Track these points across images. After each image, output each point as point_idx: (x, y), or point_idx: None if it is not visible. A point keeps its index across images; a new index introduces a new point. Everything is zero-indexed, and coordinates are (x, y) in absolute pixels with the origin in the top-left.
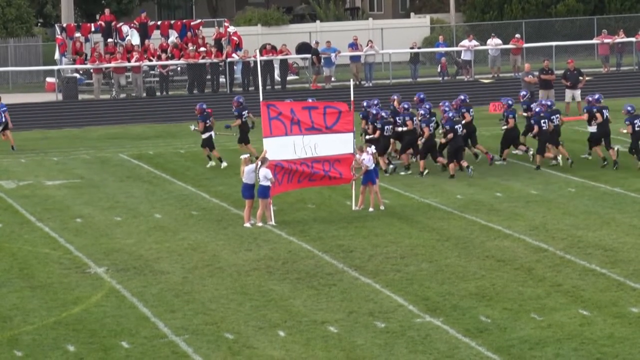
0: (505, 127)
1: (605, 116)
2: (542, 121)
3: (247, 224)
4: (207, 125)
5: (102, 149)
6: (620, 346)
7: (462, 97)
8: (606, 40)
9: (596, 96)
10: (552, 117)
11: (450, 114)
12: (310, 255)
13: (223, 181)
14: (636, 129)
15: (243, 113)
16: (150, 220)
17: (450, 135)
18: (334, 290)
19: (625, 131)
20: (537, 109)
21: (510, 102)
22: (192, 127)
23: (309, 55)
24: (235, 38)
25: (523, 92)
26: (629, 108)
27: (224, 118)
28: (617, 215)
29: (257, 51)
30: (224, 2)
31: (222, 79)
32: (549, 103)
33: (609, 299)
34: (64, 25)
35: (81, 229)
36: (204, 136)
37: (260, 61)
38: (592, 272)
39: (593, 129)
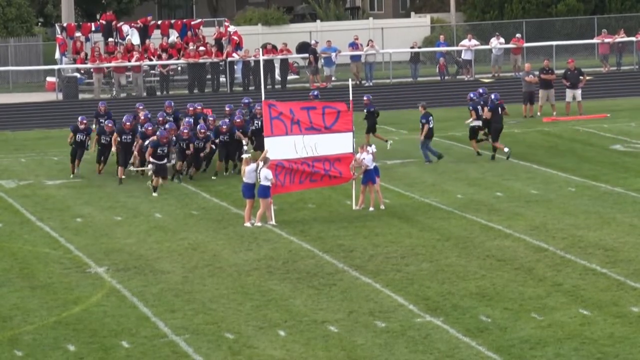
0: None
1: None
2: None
3: (247, 224)
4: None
5: None
6: (620, 346)
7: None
8: (606, 40)
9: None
10: None
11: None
12: (310, 255)
13: (223, 181)
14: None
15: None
16: (150, 220)
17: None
18: (335, 290)
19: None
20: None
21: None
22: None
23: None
24: (235, 38)
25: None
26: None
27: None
28: (617, 215)
29: (260, 50)
30: (224, 1)
31: (222, 79)
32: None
33: (609, 299)
34: (65, 24)
35: (81, 229)
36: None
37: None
38: (593, 271)
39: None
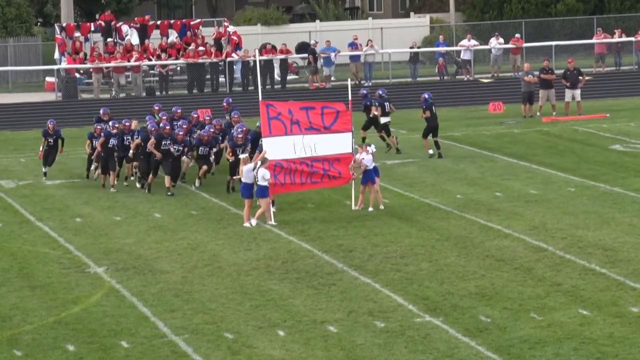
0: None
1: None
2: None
3: (246, 224)
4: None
5: None
6: (620, 346)
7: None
8: (605, 40)
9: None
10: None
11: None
12: (310, 255)
13: (222, 180)
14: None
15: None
16: (149, 220)
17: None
18: (334, 290)
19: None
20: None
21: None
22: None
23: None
24: (234, 37)
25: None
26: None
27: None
28: (616, 215)
29: (257, 50)
30: (223, 1)
31: (221, 79)
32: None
33: (608, 299)
34: (64, 24)
35: (81, 229)
36: None
37: (260, 61)
38: (592, 271)
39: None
